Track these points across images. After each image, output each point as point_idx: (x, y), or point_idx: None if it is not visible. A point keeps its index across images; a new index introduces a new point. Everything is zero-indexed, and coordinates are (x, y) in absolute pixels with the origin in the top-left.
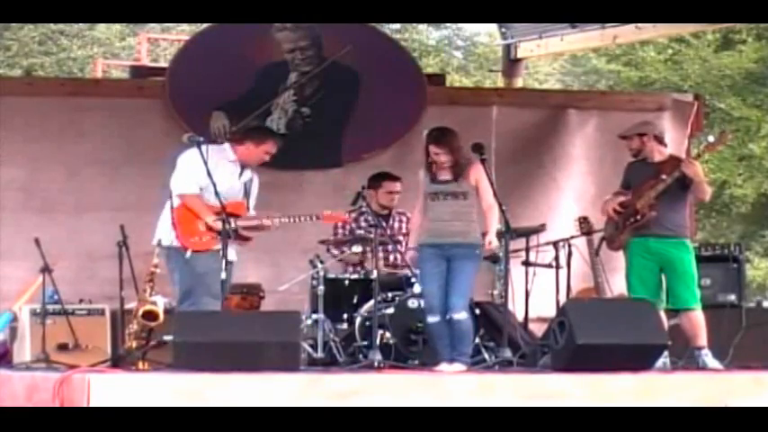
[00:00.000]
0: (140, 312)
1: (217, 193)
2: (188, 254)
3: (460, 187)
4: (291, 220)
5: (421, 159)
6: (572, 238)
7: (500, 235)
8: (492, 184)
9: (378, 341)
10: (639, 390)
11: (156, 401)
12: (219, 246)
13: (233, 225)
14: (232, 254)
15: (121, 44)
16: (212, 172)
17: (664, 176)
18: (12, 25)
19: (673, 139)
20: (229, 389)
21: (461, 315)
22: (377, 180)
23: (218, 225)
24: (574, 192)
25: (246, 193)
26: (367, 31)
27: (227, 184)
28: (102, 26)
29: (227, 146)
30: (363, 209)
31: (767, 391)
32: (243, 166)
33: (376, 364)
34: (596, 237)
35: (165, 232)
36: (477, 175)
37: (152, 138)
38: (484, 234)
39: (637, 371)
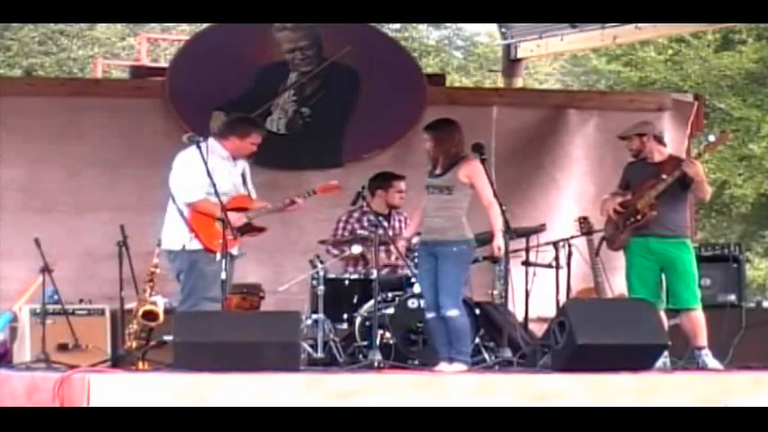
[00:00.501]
0: (140, 312)
1: (217, 193)
2: (218, 256)
3: (445, 181)
4: (291, 201)
5: (421, 159)
6: (572, 238)
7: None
8: (492, 183)
9: (378, 341)
10: (639, 390)
11: (156, 401)
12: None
13: (244, 219)
14: (235, 248)
15: (122, 44)
16: (212, 173)
17: (664, 176)
18: (12, 25)
19: (673, 140)
20: (229, 389)
21: (452, 313)
22: (386, 180)
23: (239, 220)
24: (574, 192)
25: (244, 182)
26: (367, 31)
27: (228, 183)
28: (102, 26)
29: (213, 142)
30: (365, 209)
31: (767, 392)
32: (234, 159)
33: (376, 364)
34: (596, 237)
35: (169, 236)
36: (472, 172)
37: (152, 138)
38: (490, 236)
39: (637, 371)
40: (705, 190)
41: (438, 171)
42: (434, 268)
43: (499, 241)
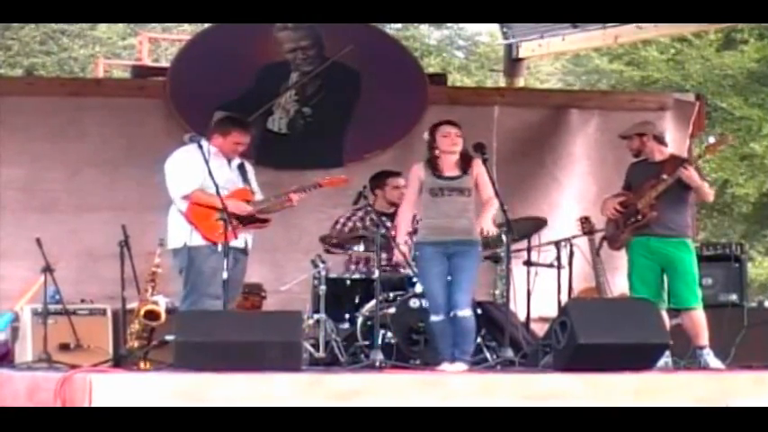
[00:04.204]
0: (142, 312)
1: (218, 191)
2: (219, 248)
3: (465, 183)
4: (294, 191)
5: (423, 158)
6: (573, 237)
7: (501, 235)
8: (494, 183)
9: (379, 341)
10: (641, 389)
11: (158, 401)
12: (244, 232)
13: (247, 210)
14: (249, 241)
15: (123, 44)
16: (205, 169)
17: (664, 176)
18: (13, 25)
19: (674, 139)
20: (231, 389)
21: (466, 312)
22: (380, 179)
23: (241, 208)
24: (575, 191)
25: (245, 179)
26: (368, 31)
27: (223, 177)
28: (103, 26)
29: (203, 141)
30: (368, 208)
31: None
32: (228, 159)
33: (377, 363)
34: (597, 236)
35: (172, 234)
36: (480, 171)
37: (153, 137)
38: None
39: (638, 370)
40: (705, 193)
41: (455, 173)
42: (447, 270)
43: (485, 223)
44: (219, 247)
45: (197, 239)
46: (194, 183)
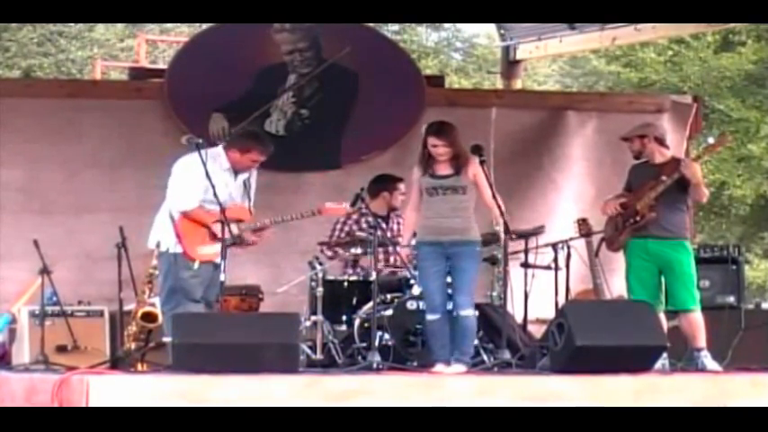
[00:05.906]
0: (139, 314)
1: (219, 201)
2: (195, 265)
3: (460, 182)
4: (292, 218)
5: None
6: (571, 239)
7: (498, 237)
8: (491, 185)
9: (376, 343)
10: (638, 391)
11: (155, 403)
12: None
13: (236, 231)
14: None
15: (120, 45)
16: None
17: (663, 178)
18: (10, 26)
19: (672, 141)
20: (228, 390)
21: (468, 312)
22: (390, 182)
23: (227, 232)
24: (573, 193)
25: (247, 195)
26: (366, 33)
27: (224, 194)
28: (100, 27)
29: (219, 150)
30: (363, 210)
31: (765, 393)
32: (236, 172)
33: (375, 365)
34: (595, 238)
35: (157, 236)
36: (477, 171)
37: (151, 139)
38: (493, 236)
39: (636, 372)
40: (702, 192)
41: (446, 172)
42: (445, 269)
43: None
44: (196, 265)
45: (179, 248)
46: (195, 200)
